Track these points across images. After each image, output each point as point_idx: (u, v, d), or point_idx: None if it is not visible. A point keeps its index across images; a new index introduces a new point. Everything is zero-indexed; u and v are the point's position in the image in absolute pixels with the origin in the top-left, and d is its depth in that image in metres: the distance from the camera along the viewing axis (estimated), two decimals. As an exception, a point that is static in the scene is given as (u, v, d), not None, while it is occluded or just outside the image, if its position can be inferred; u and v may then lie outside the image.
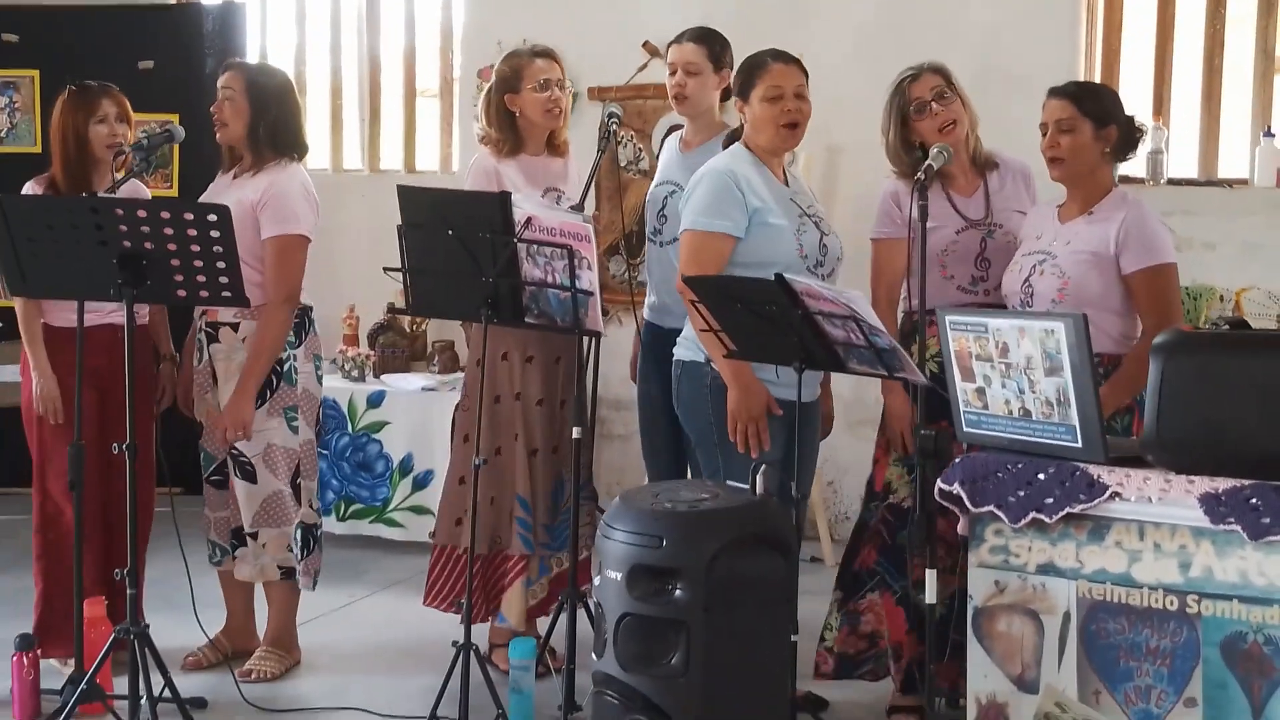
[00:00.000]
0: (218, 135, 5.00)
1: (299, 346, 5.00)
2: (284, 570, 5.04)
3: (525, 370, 5.00)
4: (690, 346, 4.51)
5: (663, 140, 5.64)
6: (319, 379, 5.14)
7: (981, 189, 4.65)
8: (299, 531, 5.03)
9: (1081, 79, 6.51)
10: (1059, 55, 6.49)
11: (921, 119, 4.57)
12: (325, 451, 6.65)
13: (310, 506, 5.08)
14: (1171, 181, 6.55)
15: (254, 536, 5.00)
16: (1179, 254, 6.26)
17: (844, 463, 6.83)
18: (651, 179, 5.36)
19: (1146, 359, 3.87)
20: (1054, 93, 4.36)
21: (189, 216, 4.17)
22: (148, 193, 5.26)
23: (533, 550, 5.01)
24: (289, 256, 4.89)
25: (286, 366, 4.95)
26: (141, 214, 4.16)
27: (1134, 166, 6.25)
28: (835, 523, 6.94)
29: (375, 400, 6.71)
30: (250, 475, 4.96)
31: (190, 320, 5.10)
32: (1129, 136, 4.38)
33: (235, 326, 4.91)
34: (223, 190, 4.95)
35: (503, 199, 4.27)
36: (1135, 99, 6.57)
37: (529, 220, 4.22)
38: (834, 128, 6.61)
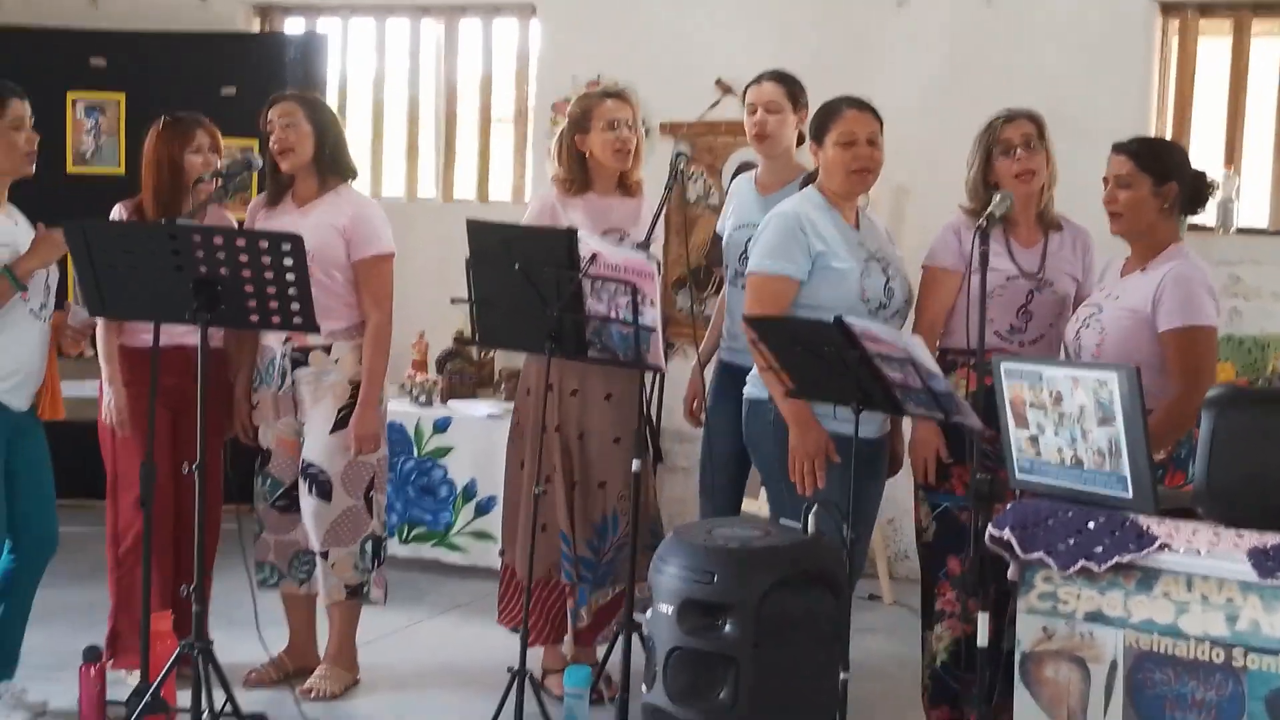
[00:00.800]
0: (283, 165, 5.09)
1: None
2: (349, 589, 5.13)
3: (567, 403, 5.07)
4: (757, 384, 4.58)
5: (731, 179, 5.71)
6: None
7: (1041, 245, 4.68)
8: (369, 543, 5.12)
9: (1152, 129, 6.56)
10: (1130, 105, 6.52)
11: (1004, 161, 4.62)
12: (391, 475, 6.74)
13: (379, 519, 5.18)
14: (1241, 231, 6.55)
15: (324, 556, 5.09)
16: (1246, 303, 6.37)
17: (904, 501, 6.80)
18: (719, 214, 5.42)
19: (1172, 418, 3.93)
20: (1116, 148, 4.40)
21: (263, 245, 4.27)
22: (231, 218, 5.38)
23: (572, 580, 5.09)
24: (383, 275, 5.08)
25: None
26: (217, 241, 4.25)
27: (1204, 215, 6.26)
28: (895, 561, 6.96)
29: (441, 426, 6.80)
30: (326, 494, 5.05)
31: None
32: (1196, 192, 4.41)
33: (327, 349, 5.03)
34: (294, 220, 5.03)
35: (569, 235, 4.35)
36: (1207, 148, 6.59)
37: (594, 256, 4.30)
38: (900, 170, 6.64)
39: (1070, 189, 4.82)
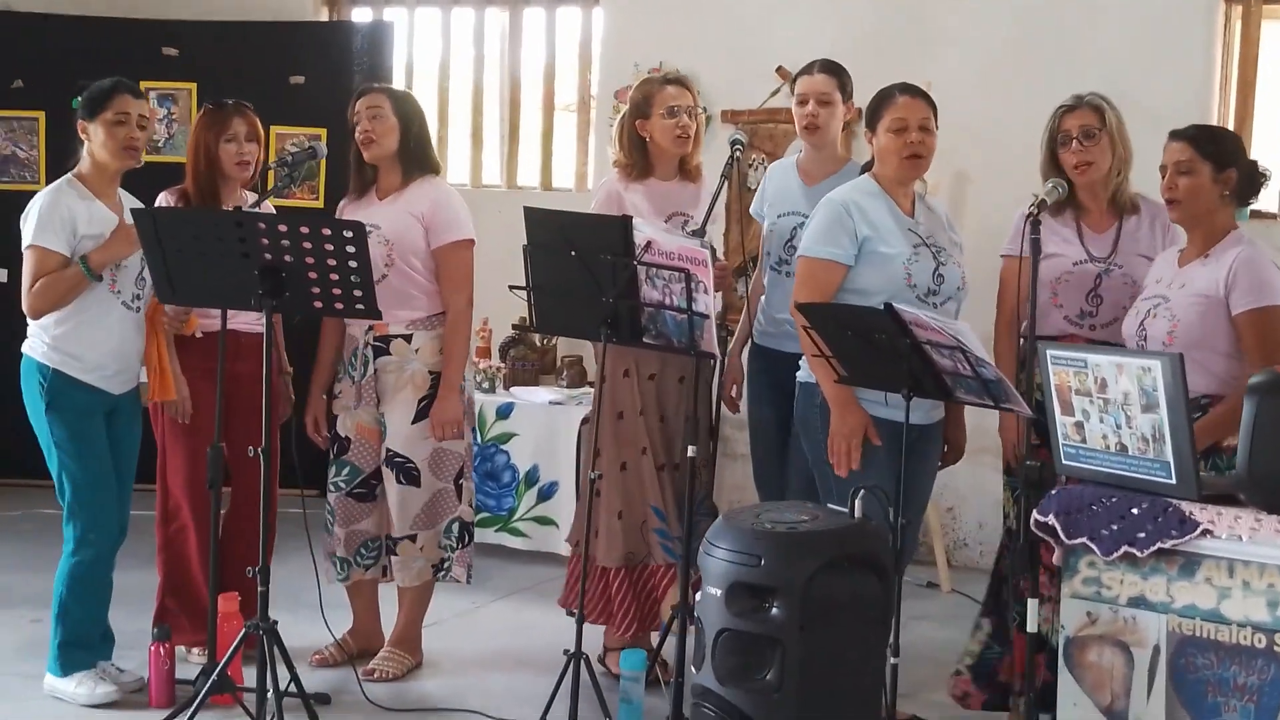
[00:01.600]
0: (366, 154, 5.15)
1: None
2: (435, 567, 5.22)
3: (646, 388, 5.13)
4: (808, 369, 4.62)
5: (766, 169, 5.73)
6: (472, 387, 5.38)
7: (1115, 228, 4.69)
8: (456, 525, 5.22)
9: (1215, 115, 6.53)
10: (1192, 91, 6.50)
11: (1064, 151, 4.63)
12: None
13: (469, 504, 5.28)
14: (1303, 216, 6.53)
15: (412, 539, 5.18)
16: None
17: (962, 490, 6.89)
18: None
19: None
20: (1174, 135, 4.39)
21: (326, 232, 4.35)
22: (272, 209, 5.43)
23: (676, 558, 5.07)
24: (462, 261, 5.17)
25: None
26: (282, 228, 4.33)
27: (1266, 202, 6.23)
28: (953, 549, 6.99)
29: (504, 412, 6.88)
30: (414, 479, 5.14)
31: (313, 337, 5.33)
32: (1252, 179, 4.41)
33: (408, 338, 5.12)
34: (374, 211, 5.12)
35: (624, 223, 4.41)
36: (1269, 134, 6.56)
37: (649, 244, 4.36)
38: (961, 155, 6.69)
39: (1132, 171, 4.78)
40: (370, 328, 5.12)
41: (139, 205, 4.96)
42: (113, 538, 4.92)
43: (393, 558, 5.23)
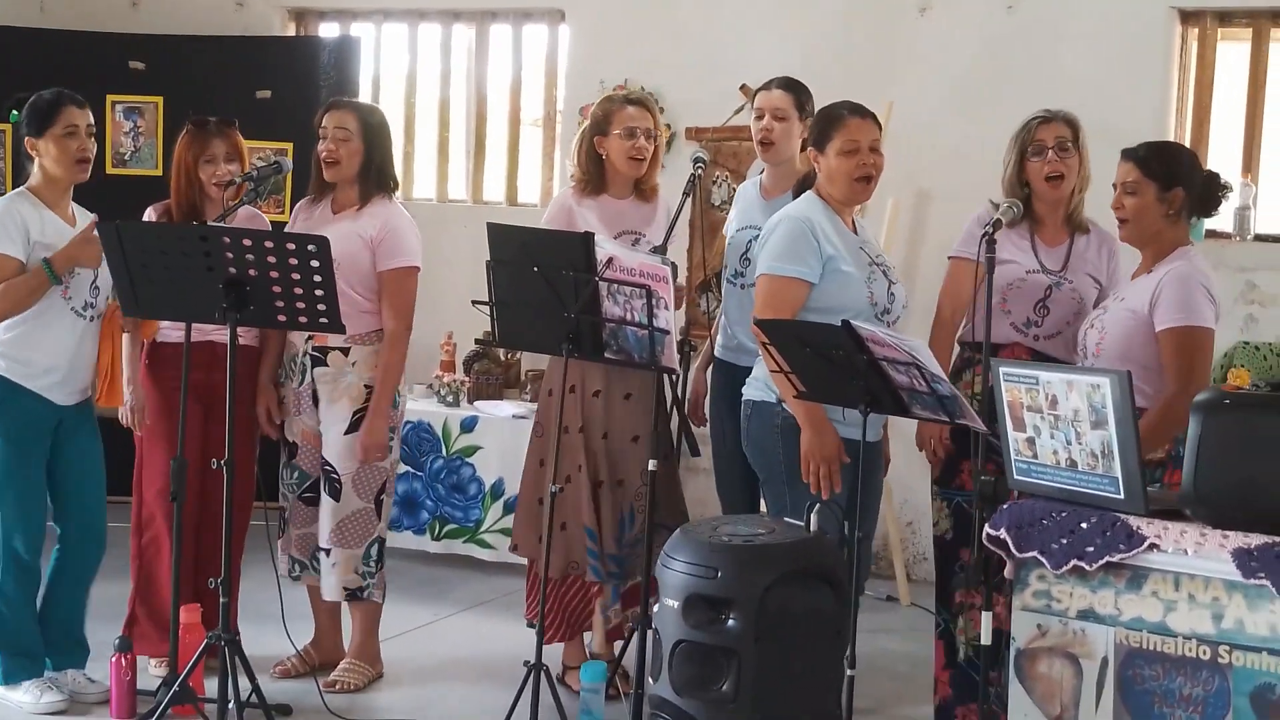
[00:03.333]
0: (327, 174, 5.20)
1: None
2: (349, 591, 5.23)
3: (589, 404, 5.17)
4: (760, 386, 4.65)
5: (736, 187, 5.80)
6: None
7: (1066, 244, 4.76)
8: (375, 548, 5.25)
9: (1172, 135, 6.61)
10: (1149, 111, 6.57)
11: (1035, 162, 4.68)
12: (420, 474, 6.89)
13: (385, 522, 5.31)
14: (1259, 237, 6.62)
15: (327, 553, 5.22)
16: (1263, 310, 6.42)
17: (922, 505, 6.87)
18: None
19: (1165, 417, 4.00)
20: (1124, 154, 4.46)
21: (291, 246, 4.38)
22: (264, 218, 5.50)
23: (601, 578, 5.18)
24: (406, 287, 5.17)
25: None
26: (246, 243, 4.37)
27: (1221, 222, 6.33)
28: (913, 563, 7.04)
29: (469, 425, 6.91)
30: (336, 493, 5.18)
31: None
32: (1208, 193, 4.47)
33: (345, 351, 5.15)
34: (326, 223, 5.15)
35: (586, 239, 4.46)
36: (1225, 155, 6.65)
37: (610, 260, 4.41)
38: (924, 174, 6.78)
39: (1091, 190, 4.85)
40: (309, 337, 5.15)
41: (92, 217, 4.98)
42: (37, 546, 4.93)
43: (321, 567, 5.27)
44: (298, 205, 5.42)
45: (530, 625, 5.15)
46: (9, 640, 4.94)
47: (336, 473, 5.17)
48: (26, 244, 4.80)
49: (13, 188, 5.03)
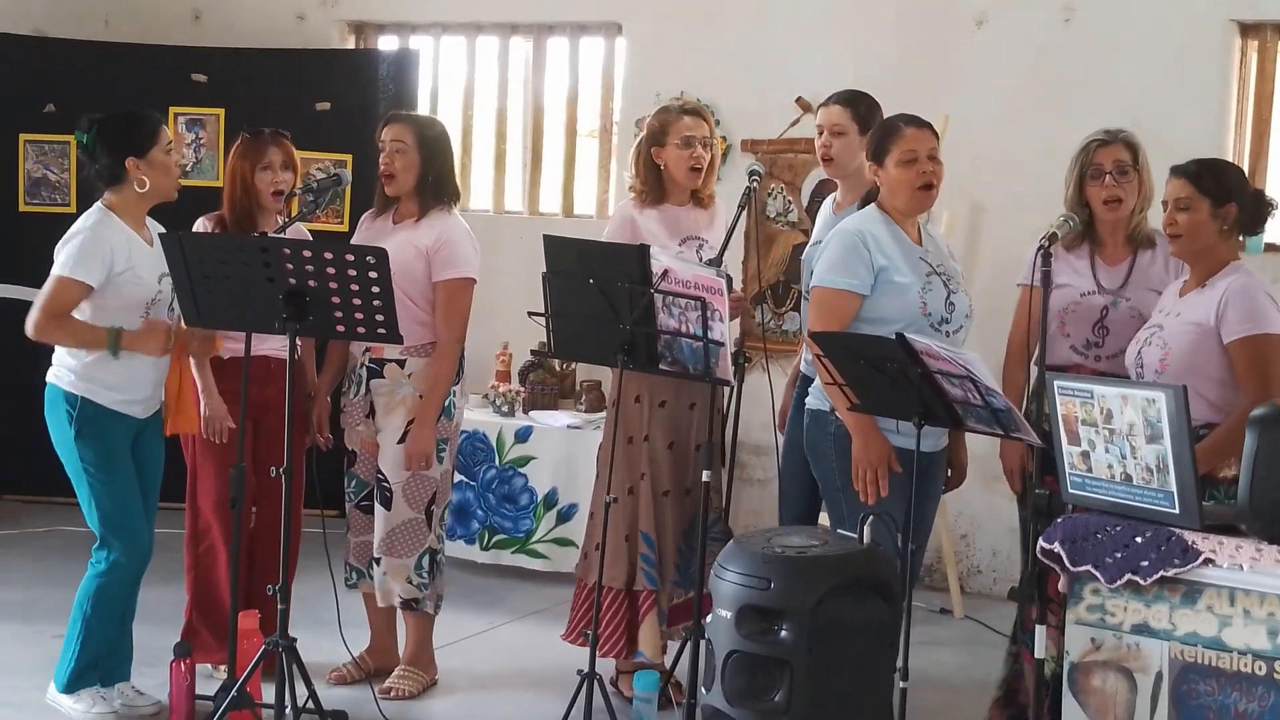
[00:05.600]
0: (386, 188, 5.25)
1: (457, 384, 5.28)
2: (403, 601, 5.27)
3: (655, 414, 5.20)
4: (819, 396, 4.68)
5: (819, 201, 5.81)
6: (461, 413, 5.43)
7: (1129, 262, 4.75)
8: (426, 557, 5.28)
9: (1230, 148, 6.58)
10: (1207, 123, 6.53)
11: (1093, 185, 4.69)
12: (473, 483, 6.93)
13: (437, 533, 5.33)
14: (1318, 250, 6.56)
15: (377, 562, 5.26)
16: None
17: (977, 517, 6.93)
18: (798, 230, 5.51)
19: (1239, 428, 3.97)
20: (1174, 171, 4.45)
21: (350, 258, 4.44)
22: (306, 232, 5.50)
23: (656, 586, 5.20)
24: (460, 298, 5.20)
25: (448, 402, 5.23)
26: (306, 254, 4.43)
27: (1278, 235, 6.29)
28: (967, 576, 7.02)
29: (523, 435, 6.96)
30: (387, 502, 5.22)
31: (322, 357, 5.42)
32: (1256, 211, 4.47)
33: (401, 363, 5.19)
34: (385, 235, 5.21)
35: (641, 251, 4.48)
36: (1284, 168, 6.62)
37: (666, 272, 4.43)
38: (978, 187, 6.77)
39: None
40: (367, 349, 5.20)
41: (159, 227, 5.04)
42: (143, 560, 4.98)
43: (375, 573, 5.31)
44: (363, 217, 5.49)
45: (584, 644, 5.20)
46: (92, 649, 4.96)
47: (388, 482, 5.21)
48: (106, 274, 4.80)
49: (78, 201, 5.06)
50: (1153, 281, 4.74)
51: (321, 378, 5.41)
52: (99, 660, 4.99)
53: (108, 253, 4.80)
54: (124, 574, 4.94)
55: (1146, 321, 4.64)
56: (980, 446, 4.92)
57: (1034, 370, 4.77)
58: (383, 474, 5.23)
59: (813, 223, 5.61)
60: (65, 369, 4.88)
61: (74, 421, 4.85)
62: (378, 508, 5.25)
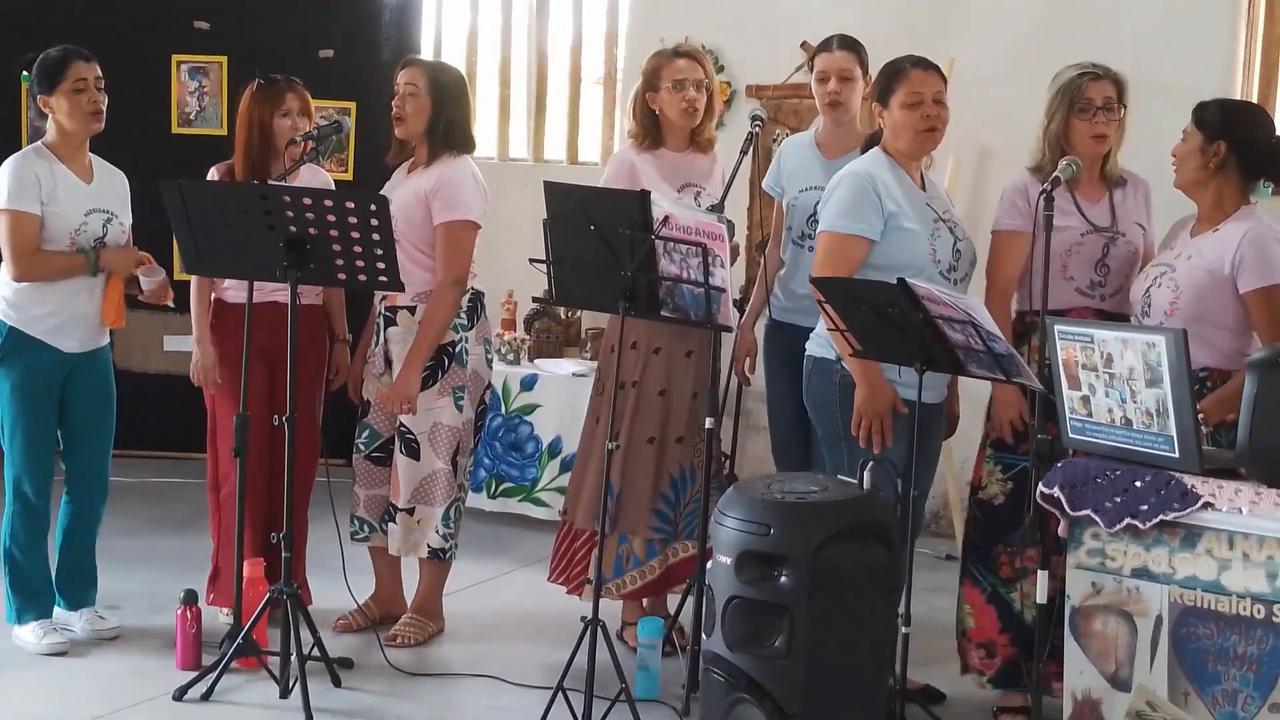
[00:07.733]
0: (396, 130, 5.23)
1: (471, 329, 5.25)
2: (431, 550, 5.27)
3: (649, 361, 5.18)
4: (822, 343, 4.66)
5: (779, 146, 5.76)
6: (489, 362, 5.39)
7: (1107, 198, 4.72)
8: (454, 510, 5.28)
9: (1239, 90, 6.53)
10: (1216, 66, 6.50)
11: (1082, 119, 4.63)
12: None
13: (462, 483, 5.33)
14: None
15: (410, 513, 5.24)
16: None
17: (983, 463, 6.91)
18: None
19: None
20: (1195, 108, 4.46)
21: (350, 205, 4.44)
22: (325, 174, 5.54)
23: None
24: (458, 241, 5.15)
25: (459, 348, 5.21)
26: (306, 202, 4.43)
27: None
28: (973, 521, 7.00)
29: (529, 383, 6.96)
30: (414, 452, 5.21)
31: (368, 305, 5.41)
32: (1267, 157, 4.41)
33: (413, 310, 5.17)
34: (399, 184, 5.21)
35: (642, 197, 4.46)
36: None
37: (666, 218, 4.41)
38: (985, 132, 6.72)
39: (1155, 149, 4.79)
40: (384, 297, 5.21)
41: (112, 169, 5.15)
42: (46, 490, 5.06)
43: (390, 525, 5.30)
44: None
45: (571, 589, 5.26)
46: (19, 581, 5.08)
47: (412, 432, 5.20)
48: (40, 199, 4.89)
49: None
50: (1133, 215, 4.72)
51: (364, 334, 5.41)
52: (37, 590, 5.09)
53: (35, 180, 4.91)
54: (31, 506, 5.04)
55: (1139, 256, 4.64)
56: (986, 393, 4.89)
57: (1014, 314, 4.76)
58: (403, 425, 5.21)
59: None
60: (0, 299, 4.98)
61: (0, 348, 4.94)
62: (403, 458, 5.22)
